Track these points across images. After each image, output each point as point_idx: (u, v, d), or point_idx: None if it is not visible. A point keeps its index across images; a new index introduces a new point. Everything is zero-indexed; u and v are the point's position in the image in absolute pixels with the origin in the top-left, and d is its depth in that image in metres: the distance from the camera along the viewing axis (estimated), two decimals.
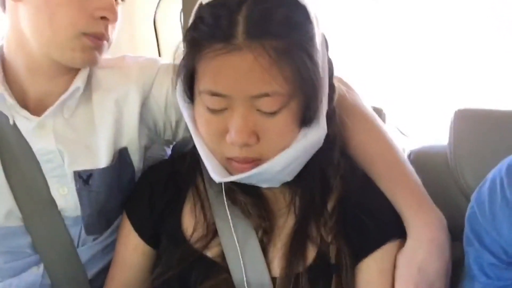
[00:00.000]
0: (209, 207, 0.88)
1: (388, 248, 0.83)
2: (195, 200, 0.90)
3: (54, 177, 0.93)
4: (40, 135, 0.91)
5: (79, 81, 0.93)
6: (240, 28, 0.71)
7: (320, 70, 0.77)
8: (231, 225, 0.85)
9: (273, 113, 0.74)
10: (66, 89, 0.92)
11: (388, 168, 0.88)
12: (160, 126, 1.01)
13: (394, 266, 0.83)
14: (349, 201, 0.86)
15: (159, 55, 1.46)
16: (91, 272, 0.99)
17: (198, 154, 0.82)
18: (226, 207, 0.85)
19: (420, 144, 1.15)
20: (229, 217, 0.85)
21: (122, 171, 0.97)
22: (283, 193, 0.88)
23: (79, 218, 0.95)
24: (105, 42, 0.90)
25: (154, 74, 0.98)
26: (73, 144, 0.93)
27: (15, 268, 0.95)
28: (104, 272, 0.98)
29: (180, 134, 1.02)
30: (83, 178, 0.93)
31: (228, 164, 0.80)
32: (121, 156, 0.97)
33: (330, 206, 0.86)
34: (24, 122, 0.91)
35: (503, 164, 0.82)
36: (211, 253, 0.86)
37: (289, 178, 0.82)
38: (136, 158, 0.99)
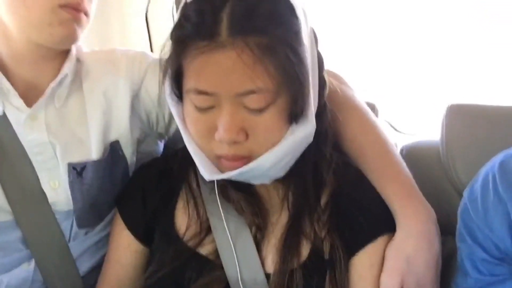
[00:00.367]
0: (202, 204, 0.88)
1: (380, 243, 0.84)
2: (188, 197, 0.90)
3: (45, 170, 0.92)
4: (32, 127, 0.90)
5: (66, 68, 0.92)
6: (224, 25, 0.71)
7: (308, 65, 0.76)
8: (224, 222, 0.85)
9: (260, 110, 0.74)
10: (54, 78, 0.91)
11: (378, 161, 0.88)
12: (153, 119, 1.01)
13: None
14: (341, 196, 0.86)
15: (151, 51, 1.46)
16: (83, 268, 0.98)
17: None
18: (219, 204, 0.85)
19: (412, 139, 1.15)
20: (222, 214, 0.85)
21: (115, 165, 0.96)
22: (276, 189, 0.88)
23: (70, 212, 0.94)
24: (83, 15, 0.88)
25: (145, 66, 0.98)
26: (66, 136, 0.92)
27: (6, 264, 0.93)
28: (97, 269, 0.97)
29: (173, 127, 1.02)
30: (77, 170, 0.92)
31: (218, 161, 0.80)
32: (113, 149, 0.96)
33: (323, 201, 0.86)
34: (15, 112, 0.90)
35: (495, 160, 0.82)
36: (204, 250, 0.86)
37: (280, 174, 0.82)
38: (128, 151, 0.98)
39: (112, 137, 0.96)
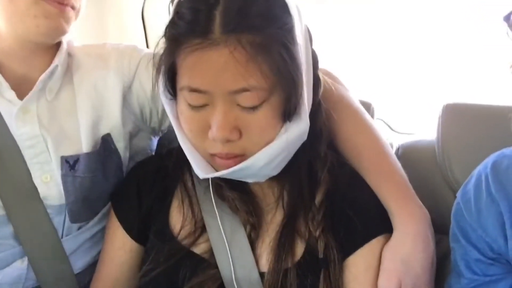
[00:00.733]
0: (197, 203, 0.88)
1: (375, 244, 0.83)
2: (183, 196, 0.89)
3: (36, 163, 0.91)
4: (24, 120, 0.90)
5: (57, 60, 0.92)
6: (217, 23, 0.71)
7: (302, 63, 0.76)
8: (219, 221, 0.85)
9: (254, 108, 0.74)
10: (45, 71, 0.91)
11: (374, 161, 0.88)
12: (146, 113, 1.01)
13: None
14: (336, 195, 0.86)
15: (147, 48, 1.46)
16: (77, 265, 0.98)
17: None
18: (214, 203, 0.85)
19: (408, 139, 1.15)
20: (217, 213, 0.85)
21: (107, 158, 0.96)
22: (271, 188, 0.88)
23: (62, 206, 0.94)
24: (69, 9, 0.88)
25: (136, 60, 0.98)
26: (57, 129, 0.92)
27: None
28: (91, 267, 0.97)
29: (166, 122, 1.02)
30: (70, 164, 0.92)
31: (211, 160, 0.80)
32: (105, 142, 0.96)
33: (318, 200, 0.86)
34: (7, 105, 0.89)
35: (488, 161, 0.82)
36: (199, 249, 0.86)
37: (274, 172, 0.82)
38: (121, 145, 0.98)
39: (103, 130, 0.96)
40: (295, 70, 0.75)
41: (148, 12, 1.47)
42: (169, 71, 0.78)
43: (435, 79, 1.52)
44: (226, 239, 0.84)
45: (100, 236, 0.98)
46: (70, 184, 0.93)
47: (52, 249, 0.94)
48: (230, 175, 0.80)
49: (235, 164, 0.77)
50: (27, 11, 0.84)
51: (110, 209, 0.95)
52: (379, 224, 0.84)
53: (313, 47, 0.85)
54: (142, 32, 1.47)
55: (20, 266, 0.93)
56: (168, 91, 0.81)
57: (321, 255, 0.83)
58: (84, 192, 0.94)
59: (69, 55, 0.97)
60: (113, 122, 0.96)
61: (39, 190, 0.92)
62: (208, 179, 0.85)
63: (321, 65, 0.86)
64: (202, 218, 0.87)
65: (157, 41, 0.79)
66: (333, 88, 0.90)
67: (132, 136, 1.01)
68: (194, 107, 0.76)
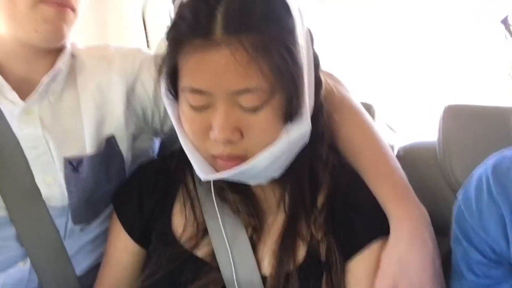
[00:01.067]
0: (199, 205, 0.88)
1: (376, 246, 0.83)
2: (185, 199, 0.89)
3: (39, 165, 0.91)
4: (26, 121, 0.90)
5: (61, 63, 0.92)
6: (218, 24, 0.71)
7: (303, 64, 0.76)
8: (221, 223, 0.85)
9: (255, 109, 0.74)
10: (48, 72, 0.91)
11: (372, 161, 0.88)
12: (148, 114, 1.01)
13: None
14: (338, 197, 0.86)
15: (148, 49, 1.46)
16: (79, 268, 0.98)
17: None
18: (215, 206, 0.85)
19: (409, 140, 1.15)
20: (219, 215, 0.85)
21: (111, 160, 0.96)
22: (273, 190, 0.88)
23: (65, 208, 0.93)
24: (69, 10, 0.87)
25: (139, 62, 0.98)
26: (60, 130, 0.92)
27: (0, 263, 0.92)
28: (94, 270, 0.97)
29: (168, 124, 1.02)
30: (73, 165, 0.92)
31: (213, 161, 0.80)
32: (109, 144, 0.96)
33: (319, 202, 0.86)
34: (9, 106, 0.89)
35: (488, 162, 0.82)
36: (201, 252, 0.86)
37: (276, 174, 0.82)
38: (124, 147, 0.98)
39: (107, 131, 0.96)
40: (296, 71, 0.75)
41: (148, 13, 1.47)
42: (171, 72, 0.78)
43: (436, 80, 1.52)
44: (228, 242, 0.84)
45: (102, 238, 0.98)
46: (73, 186, 0.93)
47: (54, 250, 0.94)
48: (232, 176, 0.80)
49: (236, 166, 0.77)
50: (26, 15, 0.84)
51: (113, 212, 0.95)
52: (380, 226, 0.84)
53: (315, 48, 0.85)
54: (142, 33, 1.47)
55: (22, 267, 0.93)
56: (170, 92, 0.81)
57: (323, 258, 0.82)
58: (87, 194, 0.94)
59: (73, 56, 0.97)
60: (116, 124, 0.96)
61: (42, 191, 0.92)
62: (210, 181, 0.85)
63: (322, 66, 0.86)
64: (204, 221, 0.87)
65: (158, 43, 0.79)
66: (334, 89, 0.90)
67: (134, 137, 1.01)
68: (196, 108, 0.76)
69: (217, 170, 0.80)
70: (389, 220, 0.83)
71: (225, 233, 0.84)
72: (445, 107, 1.04)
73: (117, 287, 0.92)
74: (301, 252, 0.84)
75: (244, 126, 0.75)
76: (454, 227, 0.85)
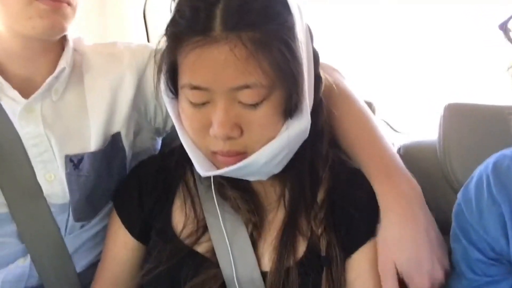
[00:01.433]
0: (199, 202, 0.88)
1: (375, 242, 0.84)
2: (185, 196, 0.90)
3: (40, 162, 0.91)
4: (28, 119, 0.90)
5: (64, 62, 0.91)
6: (217, 20, 0.71)
7: (302, 60, 0.76)
8: (221, 220, 0.85)
9: (255, 105, 0.74)
10: (51, 71, 0.90)
11: (363, 143, 0.89)
12: (150, 111, 1.01)
13: None
14: (338, 193, 0.86)
15: None
16: (80, 264, 0.98)
17: None
18: (216, 202, 0.85)
19: (409, 139, 1.15)
20: (219, 212, 0.85)
21: (113, 156, 0.96)
22: (273, 186, 0.88)
23: (66, 205, 0.94)
24: (65, 5, 0.86)
25: (147, 57, 0.98)
26: (62, 128, 0.92)
27: (1, 260, 0.93)
28: (94, 267, 0.97)
29: (171, 122, 1.02)
30: (74, 162, 0.92)
31: (213, 158, 0.80)
32: (114, 140, 0.96)
33: (319, 198, 0.86)
34: (11, 104, 0.89)
35: (488, 161, 0.82)
36: (201, 248, 0.86)
37: (276, 170, 0.82)
38: (127, 143, 0.98)
39: (115, 128, 0.96)
40: (295, 66, 0.75)
41: (149, 11, 1.47)
42: (170, 69, 0.79)
43: (437, 79, 1.52)
44: (228, 239, 0.84)
45: (103, 235, 0.98)
46: (74, 183, 0.93)
47: (54, 247, 0.94)
48: (232, 173, 0.80)
49: (237, 162, 0.77)
50: (21, 12, 0.83)
51: (112, 208, 0.96)
52: (379, 222, 0.84)
53: (315, 45, 0.85)
54: (143, 31, 1.47)
55: (23, 264, 0.93)
56: (170, 89, 0.81)
57: (323, 253, 0.83)
58: (88, 191, 0.94)
59: (78, 53, 0.96)
60: (122, 120, 0.96)
61: (43, 188, 0.92)
62: (210, 178, 0.86)
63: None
64: (204, 218, 0.87)
65: (158, 39, 0.79)
66: (334, 85, 0.90)
67: (135, 134, 1.01)
68: (196, 105, 0.76)
69: (217, 167, 0.80)
70: (378, 201, 0.84)
71: (225, 230, 0.84)
72: (446, 106, 1.04)
73: (116, 282, 0.92)
74: (301, 247, 0.84)
75: (244, 122, 0.75)
76: (453, 225, 0.85)
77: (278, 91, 0.75)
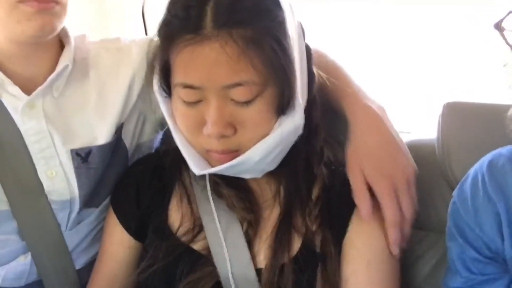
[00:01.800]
0: (195, 201, 0.89)
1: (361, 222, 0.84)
2: (181, 194, 0.90)
3: (42, 159, 0.91)
4: (30, 115, 0.89)
5: (66, 59, 0.91)
6: (208, 18, 0.72)
7: (294, 57, 0.77)
8: (216, 218, 0.85)
9: (247, 103, 0.75)
10: (51, 68, 0.90)
11: (340, 86, 0.91)
12: (155, 100, 1.01)
13: None
14: (333, 190, 0.86)
15: None
16: (79, 262, 0.99)
17: None
18: (211, 201, 0.86)
19: (408, 137, 1.14)
20: (214, 210, 0.85)
21: (117, 146, 0.97)
22: (268, 184, 0.88)
23: (66, 202, 0.94)
24: (53, 4, 0.83)
25: (152, 49, 0.98)
26: (65, 123, 0.92)
27: (1, 257, 0.93)
28: (92, 264, 0.97)
29: None
30: (81, 156, 0.92)
31: (207, 156, 0.80)
32: (117, 131, 0.97)
33: (314, 195, 0.87)
34: (12, 100, 0.89)
35: (484, 160, 0.82)
36: (197, 246, 0.86)
37: (270, 167, 0.82)
38: (129, 134, 0.99)
39: (122, 120, 0.97)
40: (287, 63, 0.75)
41: (148, 10, 1.47)
42: (163, 69, 0.79)
43: (435, 77, 1.51)
44: (223, 237, 0.84)
45: (101, 231, 0.99)
46: (84, 176, 0.93)
47: (54, 244, 0.95)
48: (226, 170, 0.80)
49: (230, 160, 0.78)
50: (9, 17, 0.81)
51: (109, 205, 0.96)
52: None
53: (309, 43, 0.85)
54: (142, 28, 1.47)
55: (23, 261, 0.94)
56: (163, 89, 0.81)
57: (318, 249, 0.83)
58: (96, 182, 0.95)
59: (82, 50, 0.96)
60: (129, 111, 0.97)
61: (44, 185, 0.92)
62: (205, 177, 0.86)
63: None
64: (200, 216, 0.87)
65: (150, 39, 0.79)
66: (327, 82, 0.90)
67: (140, 126, 1.01)
68: (189, 104, 0.77)
69: (211, 165, 0.80)
70: (346, 115, 0.87)
71: (220, 228, 0.84)
72: (445, 104, 1.04)
73: (113, 279, 0.93)
74: (296, 244, 0.84)
75: (237, 120, 0.76)
76: (449, 224, 0.85)
77: (271, 88, 0.75)
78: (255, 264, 0.84)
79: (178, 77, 0.76)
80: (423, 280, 1.00)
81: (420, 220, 1.01)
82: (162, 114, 1.01)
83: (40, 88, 0.89)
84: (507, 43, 0.73)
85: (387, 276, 0.83)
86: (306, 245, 0.83)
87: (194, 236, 0.86)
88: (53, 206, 0.93)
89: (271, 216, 0.87)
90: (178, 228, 0.88)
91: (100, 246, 0.96)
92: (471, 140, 1.00)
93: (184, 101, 0.77)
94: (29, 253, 0.94)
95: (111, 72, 0.96)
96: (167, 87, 0.81)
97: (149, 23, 1.47)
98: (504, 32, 0.72)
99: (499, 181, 0.78)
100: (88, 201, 0.96)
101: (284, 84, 0.76)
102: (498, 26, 0.72)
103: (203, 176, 0.86)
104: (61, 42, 0.94)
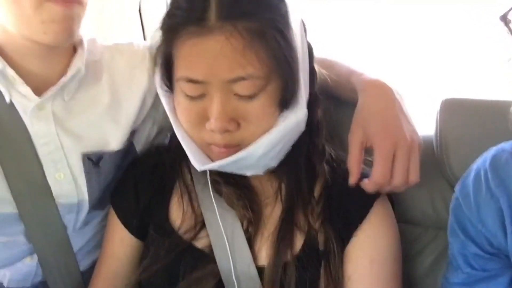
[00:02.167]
0: (196, 198, 0.88)
1: (371, 212, 0.84)
2: (182, 192, 0.89)
3: (50, 161, 0.90)
4: (39, 117, 0.88)
5: (79, 62, 0.89)
6: (213, 10, 0.71)
7: (297, 50, 0.77)
8: (218, 216, 0.85)
9: (251, 97, 0.74)
10: (64, 70, 0.89)
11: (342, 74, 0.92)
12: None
13: None
14: (334, 187, 0.86)
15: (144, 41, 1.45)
16: (84, 263, 0.98)
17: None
18: (213, 198, 0.85)
19: None
20: (216, 208, 0.85)
21: (128, 151, 0.96)
22: (270, 181, 0.88)
23: (73, 205, 0.93)
24: (76, 5, 0.82)
25: None
26: (75, 127, 0.91)
27: (9, 258, 0.93)
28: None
29: None
30: (93, 161, 0.91)
31: (208, 150, 0.80)
32: (130, 137, 0.96)
33: (316, 193, 0.87)
34: (23, 101, 0.87)
35: (487, 155, 0.82)
36: (199, 243, 0.86)
37: (273, 163, 0.82)
38: (141, 142, 0.99)
39: (135, 125, 0.96)
40: (291, 55, 0.75)
41: (145, 6, 1.46)
42: (166, 63, 0.78)
43: (433, 74, 1.51)
44: (225, 234, 0.84)
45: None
46: (94, 181, 0.92)
47: (60, 246, 0.94)
48: (228, 166, 0.80)
49: (232, 154, 0.77)
50: (34, 16, 0.79)
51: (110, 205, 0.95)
52: (369, 198, 0.84)
53: (312, 42, 0.85)
54: (139, 26, 1.46)
55: (30, 263, 0.94)
56: (165, 83, 0.81)
57: (321, 247, 0.83)
58: (106, 187, 0.94)
59: (95, 54, 0.94)
60: (143, 117, 0.97)
61: (52, 188, 0.91)
62: (206, 175, 0.85)
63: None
64: (202, 213, 0.87)
65: (152, 34, 0.78)
66: (328, 79, 0.91)
67: (155, 134, 1.01)
68: (192, 98, 0.76)
69: (212, 160, 0.80)
70: (356, 87, 0.87)
71: (223, 225, 0.84)
72: (442, 101, 1.04)
73: (115, 278, 0.92)
74: (299, 242, 0.84)
75: (241, 115, 0.75)
76: (451, 220, 0.85)
77: (274, 82, 0.75)
78: (257, 261, 0.84)
79: (181, 71, 0.75)
80: (422, 276, 1.01)
81: (418, 216, 1.02)
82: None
83: (51, 90, 0.87)
84: None
85: (390, 274, 0.83)
86: (309, 243, 0.83)
87: (196, 234, 0.86)
88: (60, 208, 0.93)
89: (272, 214, 0.86)
90: (180, 225, 0.87)
91: (102, 244, 0.96)
92: (469, 137, 1.00)
93: (187, 95, 0.76)
94: (35, 254, 0.93)
95: (125, 76, 0.95)
96: (169, 82, 0.80)
97: (146, 21, 1.47)
98: (510, 25, 0.72)
99: (502, 177, 0.78)
100: (96, 204, 0.95)
101: (288, 77, 0.75)
102: (504, 18, 0.72)
103: (204, 174, 0.86)
104: (73, 45, 0.92)
